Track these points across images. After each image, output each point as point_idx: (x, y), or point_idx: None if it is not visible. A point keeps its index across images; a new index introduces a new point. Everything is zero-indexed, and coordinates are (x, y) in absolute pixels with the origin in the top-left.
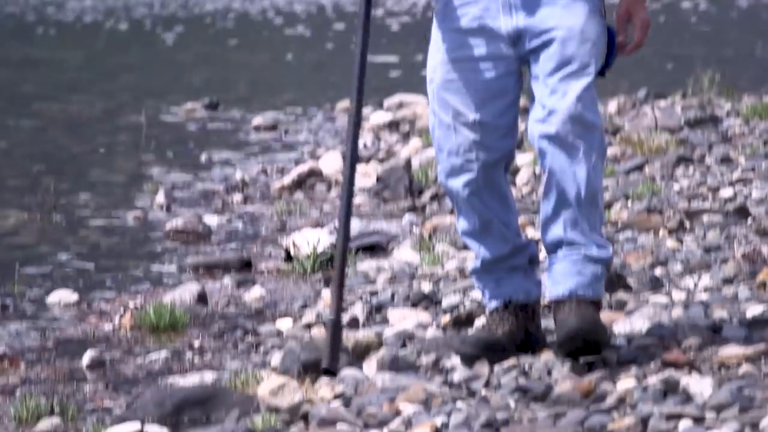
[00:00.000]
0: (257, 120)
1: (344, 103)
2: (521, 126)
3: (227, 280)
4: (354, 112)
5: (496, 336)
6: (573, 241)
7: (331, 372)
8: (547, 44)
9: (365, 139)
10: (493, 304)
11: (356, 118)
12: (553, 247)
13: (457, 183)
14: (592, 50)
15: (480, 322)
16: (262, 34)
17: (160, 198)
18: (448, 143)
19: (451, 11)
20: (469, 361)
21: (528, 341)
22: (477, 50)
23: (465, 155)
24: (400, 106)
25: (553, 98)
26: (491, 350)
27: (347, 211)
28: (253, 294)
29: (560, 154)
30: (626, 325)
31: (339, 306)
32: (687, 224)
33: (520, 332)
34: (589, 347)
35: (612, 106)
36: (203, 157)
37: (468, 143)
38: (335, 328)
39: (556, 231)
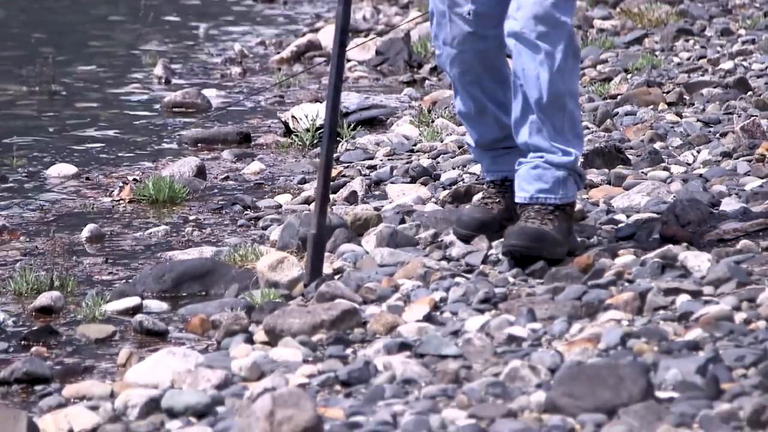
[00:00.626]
0: None
1: None
2: None
3: (226, 154)
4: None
5: (491, 214)
6: (537, 146)
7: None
8: None
9: (364, 11)
10: (490, 177)
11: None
12: (523, 149)
13: (454, 72)
14: None
15: (479, 196)
16: None
17: (159, 70)
18: (443, 33)
19: None
20: (465, 239)
21: None
22: None
23: (459, 46)
24: None
25: None
26: (487, 229)
27: (331, 126)
28: (252, 168)
29: (523, 54)
30: (625, 200)
31: (322, 221)
32: (686, 97)
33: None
34: (533, 259)
35: None
36: (202, 29)
37: (462, 35)
38: (317, 244)
39: (523, 135)
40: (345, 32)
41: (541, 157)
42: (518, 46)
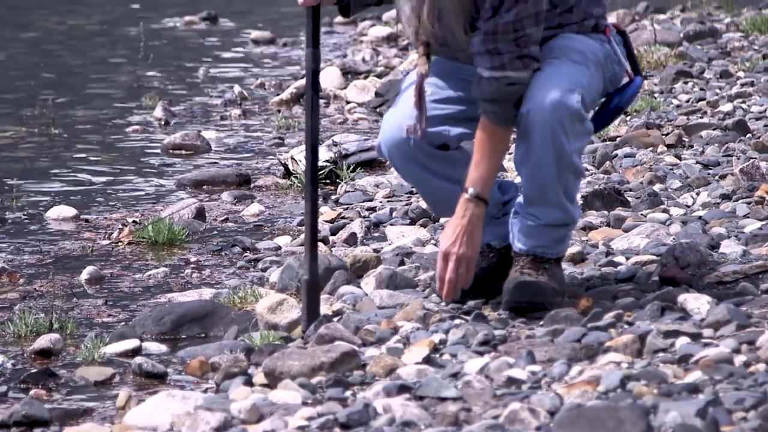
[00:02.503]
0: (256, 33)
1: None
2: None
3: (225, 196)
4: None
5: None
6: (537, 203)
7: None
8: None
9: (363, 53)
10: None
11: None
12: (520, 195)
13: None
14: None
15: None
16: None
17: (159, 112)
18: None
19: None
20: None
21: None
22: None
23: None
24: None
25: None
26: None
27: (313, 176)
28: (252, 210)
29: (534, 139)
30: (624, 242)
31: (314, 266)
32: (686, 139)
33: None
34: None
35: (611, 20)
36: (201, 71)
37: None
38: (311, 289)
39: (524, 190)
40: (316, 74)
41: (540, 219)
42: (529, 125)
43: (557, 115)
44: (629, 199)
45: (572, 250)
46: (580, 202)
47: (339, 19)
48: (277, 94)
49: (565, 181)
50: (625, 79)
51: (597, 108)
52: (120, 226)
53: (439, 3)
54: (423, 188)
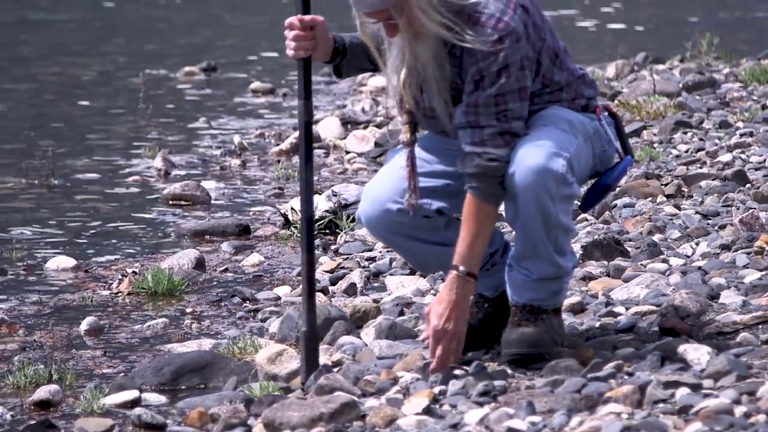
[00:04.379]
0: (255, 84)
1: None
2: None
3: (225, 246)
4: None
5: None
6: (529, 257)
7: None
8: None
9: (363, 103)
10: None
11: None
12: (513, 248)
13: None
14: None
15: None
16: None
17: (158, 163)
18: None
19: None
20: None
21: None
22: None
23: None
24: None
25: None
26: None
27: (309, 226)
28: (251, 260)
29: (520, 204)
30: (624, 292)
31: (312, 317)
32: (685, 190)
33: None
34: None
35: (610, 70)
36: (201, 122)
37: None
38: (310, 340)
39: (516, 245)
40: (309, 126)
41: (532, 274)
42: (515, 188)
43: (541, 179)
44: (629, 249)
45: (572, 300)
46: (579, 252)
47: None
48: (277, 145)
49: (555, 238)
50: (616, 159)
51: (587, 187)
52: (119, 277)
53: (424, 74)
54: (407, 253)
